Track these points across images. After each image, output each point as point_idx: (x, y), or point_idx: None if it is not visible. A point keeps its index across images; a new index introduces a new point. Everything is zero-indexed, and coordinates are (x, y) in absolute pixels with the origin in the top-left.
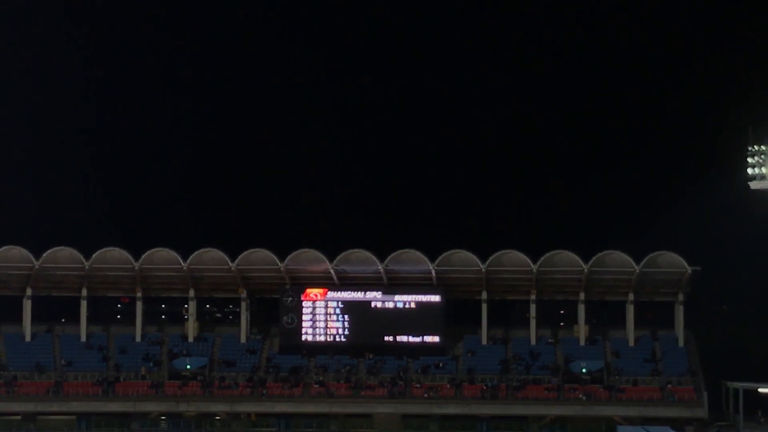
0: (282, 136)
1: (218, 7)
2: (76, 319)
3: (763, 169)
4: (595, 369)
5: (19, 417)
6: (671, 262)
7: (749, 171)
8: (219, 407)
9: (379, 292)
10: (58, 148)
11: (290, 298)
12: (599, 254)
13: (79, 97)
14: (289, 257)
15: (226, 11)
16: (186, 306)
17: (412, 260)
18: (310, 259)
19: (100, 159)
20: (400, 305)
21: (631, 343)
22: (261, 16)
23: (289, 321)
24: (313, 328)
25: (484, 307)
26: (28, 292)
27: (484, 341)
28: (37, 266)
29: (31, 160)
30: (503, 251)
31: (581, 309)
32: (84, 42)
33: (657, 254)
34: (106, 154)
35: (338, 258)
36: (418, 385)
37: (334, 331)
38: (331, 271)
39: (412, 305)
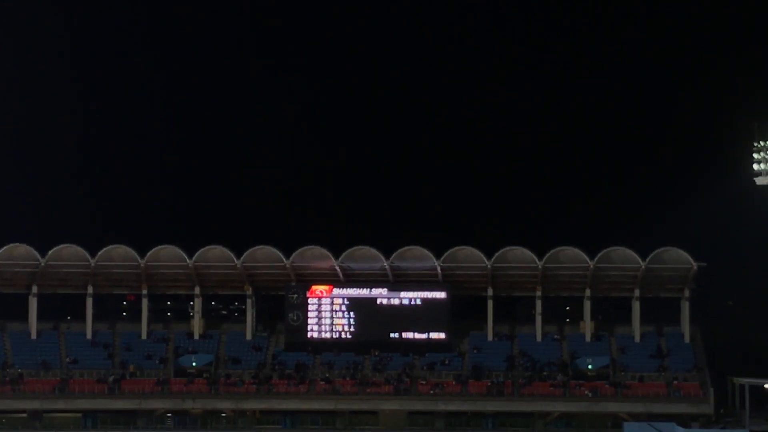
0: (287, 134)
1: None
2: (82, 317)
3: None
4: (601, 365)
5: (25, 415)
6: (677, 258)
7: (755, 167)
8: (225, 404)
9: (385, 289)
10: (63, 145)
11: (296, 295)
12: (605, 250)
13: (83, 93)
14: (294, 254)
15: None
16: (191, 303)
17: (417, 257)
18: (315, 255)
19: (105, 156)
20: (405, 302)
21: (637, 339)
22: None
23: (295, 318)
24: (319, 325)
25: (490, 303)
26: (34, 289)
27: (490, 338)
28: (42, 264)
29: (36, 158)
30: (509, 248)
31: (587, 305)
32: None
33: (663, 250)
34: (111, 151)
35: (344, 255)
36: (423, 382)
37: (339, 328)
38: (337, 267)
39: (418, 302)
